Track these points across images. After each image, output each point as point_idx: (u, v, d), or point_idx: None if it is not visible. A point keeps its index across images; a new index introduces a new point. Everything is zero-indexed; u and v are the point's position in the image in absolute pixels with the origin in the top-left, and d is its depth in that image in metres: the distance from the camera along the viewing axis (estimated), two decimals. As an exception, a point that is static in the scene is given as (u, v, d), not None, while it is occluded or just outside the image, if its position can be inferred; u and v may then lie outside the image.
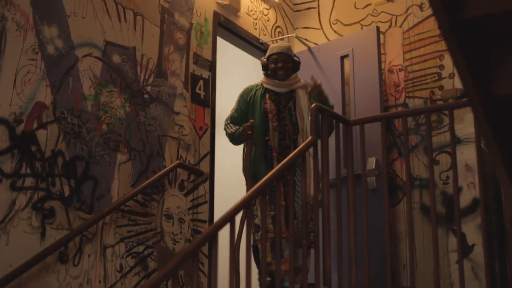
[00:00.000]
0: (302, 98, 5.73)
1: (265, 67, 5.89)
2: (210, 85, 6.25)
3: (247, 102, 5.78)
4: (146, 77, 5.50)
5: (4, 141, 4.36)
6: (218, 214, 4.79)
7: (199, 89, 6.09)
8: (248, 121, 5.57)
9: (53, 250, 4.45)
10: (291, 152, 4.90)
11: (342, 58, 6.95)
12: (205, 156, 6.03)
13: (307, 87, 5.78)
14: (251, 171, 5.48)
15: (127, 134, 5.25)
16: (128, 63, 5.37)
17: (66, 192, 4.69)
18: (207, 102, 6.18)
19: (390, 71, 6.88)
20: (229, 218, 3.64)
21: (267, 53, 5.94)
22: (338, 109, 6.43)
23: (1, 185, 4.29)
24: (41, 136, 4.60)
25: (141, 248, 5.20)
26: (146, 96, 5.49)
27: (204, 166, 5.97)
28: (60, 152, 4.69)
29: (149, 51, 5.60)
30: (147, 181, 5.23)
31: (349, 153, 4.96)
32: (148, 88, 5.53)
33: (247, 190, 5.20)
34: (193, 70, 6.08)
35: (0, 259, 4.20)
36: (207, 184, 5.98)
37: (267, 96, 5.74)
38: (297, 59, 5.96)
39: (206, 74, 6.22)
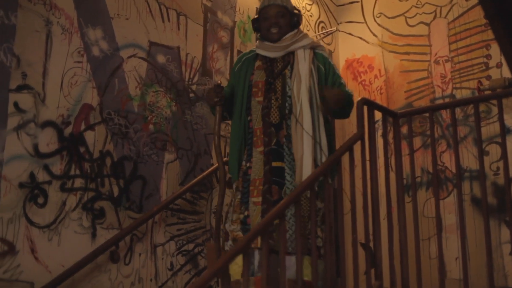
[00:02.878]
0: (302, 61, 4.31)
1: (256, 28, 4.58)
2: (255, 82, 6.24)
3: (236, 75, 4.52)
4: (191, 76, 5.52)
5: (53, 143, 4.41)
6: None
7: (244, 86, 6.08)
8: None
9: (104, 250, 4.48)
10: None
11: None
12: (251, 153, 6.01)
13: (316, 45, 4.49)
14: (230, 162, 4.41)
15: (174, 133, 5.27)
16: (173, 63, 5.40)
17: (115, 192, 4.73)
18: (253, 99, 6.16)
19: (436, 62, 6.80)
20: (279, 213, 3.62)
21: (259, 8, 4.74)
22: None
23: (51, 186, 4.34)
24: (89, 137, 4.64)
25: (191, 246, 5.22)
26: (191, 95, 5.51)
27: (251, 163, 5.96)
28: (108, 153, 4.73)
29: (193, 50, 5.61)
30: (195, 179, 5.24)
31: (397, 147, 4.91)
32: (194, 87, 5.55)
33: (219, 173, 4.24)
34: (238, 68, 6.07)
35: (53, 260, 4.25)
36: (254, 181, 5.97)
37: (256, 64, 4.44)
38: (297, 11, 4.53)
39: (250, 71, 6.21)
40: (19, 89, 4.29)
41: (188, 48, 5.57)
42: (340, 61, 7.59)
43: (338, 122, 7.22)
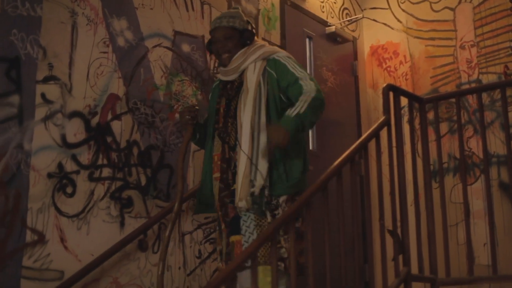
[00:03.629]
0: (250, 77, 3.95)
1: (210, 50, 4.23)
2: (280, 69, 6.22)
3: (210, 106, 4.22)
4: (216, 65, 5.51)
5: (81, 133, 4.44)
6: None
7: (269, 74, 6.07)
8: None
9: (133, 239, 4.51)
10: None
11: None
12: (277, 141, 6.00)
13: (270, 54, 4.03)
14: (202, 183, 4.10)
15: (199, 122, 5.28)
16: (198, 52, 5.40)
17: (143, 181, 4.76)
18: (278, 87, 6.15)
19: (462, 47, 6.76)
20: (306, 200, 3.62)
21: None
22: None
23: (79, 176, 4.38)
24: (116, 127, 4.67)
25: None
26: (217, 83, 5.51)
27: (277, 151, 5.95)
28: (135, 142, 4.76)
29: (217, 39, 5.60)
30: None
31: (423, 133, 4.89)
32: (219, 76, 5.54)
33: (178, 197, 3.94)
34: (262, 56, 6.05)
35: (82, 248, 4.29)
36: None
37: (220, 89, 4.15)
38: (245, 26, 4.06)
39: (275, 59, 6.19)
40: (46, 80, 4.33)
41: (212, 37, 5.56)
42: (365, 48, 7.56)
43: (363, 108, 7.21)
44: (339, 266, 3.84)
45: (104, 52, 4.70)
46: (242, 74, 4.01)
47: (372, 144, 4.42)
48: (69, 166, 4.35)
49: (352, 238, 4.06)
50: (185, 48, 5.31)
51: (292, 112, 3.76)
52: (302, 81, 3.88)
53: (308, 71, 6.53)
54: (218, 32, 4.04)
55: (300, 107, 3.78)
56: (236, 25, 4.03)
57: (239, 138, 3.84)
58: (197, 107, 4.12)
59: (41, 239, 4.14)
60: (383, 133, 4.54)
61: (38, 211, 4.14)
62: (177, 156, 4.37)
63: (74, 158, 4.38)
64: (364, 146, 4.30)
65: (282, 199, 3.79)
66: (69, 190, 4.32)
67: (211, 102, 4.20)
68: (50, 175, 4.24)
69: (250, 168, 3.76)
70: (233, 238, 3.83)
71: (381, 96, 4.76)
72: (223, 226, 3.93)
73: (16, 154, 4.09)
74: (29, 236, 4.08)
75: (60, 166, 4.30)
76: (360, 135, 6.75)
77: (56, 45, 4.41)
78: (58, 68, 4.40)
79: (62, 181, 4.30)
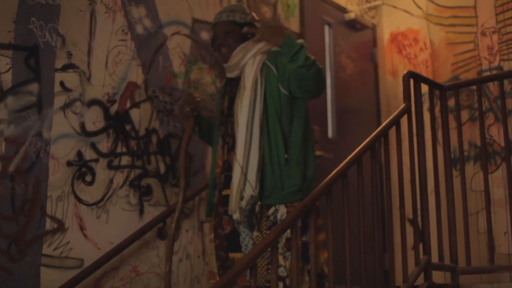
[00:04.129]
0: (248, 73, 3.78)
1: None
2: (299, 57, 6.19)
3: (217, 103, 4.13)
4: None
5: (99, 121, 4.44)
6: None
7: (288, 61, 6.03)
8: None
9: (152, 227, 4.51)
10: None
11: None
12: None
13: (269, 48, 3.87)
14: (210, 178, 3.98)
15: (218, 110, 5.27)
16: (217, 39, 5.38)
17: (162, 169, 4.75)
18: (297, 74, 6.11)
19: (483, 34, 6.69)
20: (326, 188, 3.61)
21: None
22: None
23: (99, 164, 4.39)
24: (135, 115, 4.67)
25: (237, 222, 5.23)
26: (235, 71, 5.49)
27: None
28: (154, 130, 4.75)
29: (236, 26, 5.57)
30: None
31: (444, 121, 4.85)
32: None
33: (181, 195, 3.87)
34: (281, 43, 6.02)
35: (101, 237, 4.30)
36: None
37: (228, 89, 4.02)
38: (245, 20, 3.89)
39: (294, 46, 6.15)
40: (65, 68, 4.33)
41: (231, 24, 5.53)
42: (385, 35, 7.51)
43: (383, 96, 7.17)
44: (359, 255, 3.83)
45: (123, 40, 4.69)
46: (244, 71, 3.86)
47: (392, 132, 4.39)
48: (88, 154, 4.36)
49: (372, 226, 4.04)
50: (204, 35, 5.29)
51: (303, 42, 3.64)
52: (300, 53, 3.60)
53: (327, 59, 6.57)
54: (218, 27, 3.92)
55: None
56: (236, 19, 3.88)
57: (236, 142, 3.71)
58: (198, 99, 4.01)
59: (60, 227, 4.15)
60: (404, 120, 4.51)
61: (57, 199, 4.15)
62: (180, 153, 4.21)
63: (93, 146, 4.39)
64: (384, 133, 4.28)
65: (281, 212, 3.63)
66: (88, 178, 4.33)
67: (217, 102, 4.09)
68: (69, 163, 4.25)
69: (241, 176, 3.62)
70: (233, 255, 3.69)
71: (400, 83, 4.72)
72: (211, 236, 3.82)
73: (36, 142, 4.10)
74: (48, 224, 4.09)
75: (79, 154, 4.31)
76: (379, 123, 6.73)
77: (74, 33, 4.40)
78: (76, 56, 4.39)
79: (81, 169, 4.31)
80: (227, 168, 3.79)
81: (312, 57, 3.64)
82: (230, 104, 3.88)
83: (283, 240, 3.56)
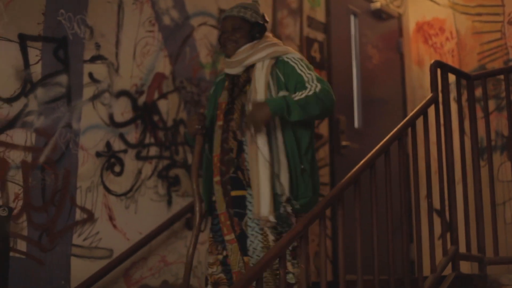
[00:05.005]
0: (259, 75, 3.69)
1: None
2: (326, 47, 6.20)
3: (210, 101, 4.02)
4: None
5: (128, 112, 4.48)
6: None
7: (315, 52, 6.05)
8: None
9: (180, 217, 4.55)
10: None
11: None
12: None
13: (280, 54, 3.77)
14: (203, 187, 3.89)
15: (245, 100, 5.28)
16: (243, 30, 5.38)
17: (190, 160, 4.77)
18: (323, 65, 6.13)
19: (510, 23, 6.64)
20: (354, 178, 3.61)
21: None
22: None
23: (127, 155, 4.43)
24: (162, 106, 4.70)
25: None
26: (262, 61, 5.49)
27: (323, 129, 5.94)
28: (182, 121, 4.78)
29: (262, 17, 5.58)
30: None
31: (471, 110, 4.83)
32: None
33: (196, 210, 3.76)
34: (308, 33, 6.03)
35: (130, 227, 4.35)
36: (326, 147, 5.95)
37: (225, 85, 3.91)
38: (255, 19, 3.83)
39: (320, 36, 6.17)
40: (93, 59, 4.37)
41: (257, 15, 5.53)
42: (410, 24, 7.47)
43: (409, 86, 7.14)
44: (386, 244, 3.83)
45: (150, 31, 4.72)
46: (248, 70, 3.76)
47: (419, 122, 4.38)
48: (117, 145, 4.40)
49: (399, 216, 4.04)
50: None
51: (281, 95, 3.58)
52: (308, 83, 3.61)
53: (353, 49, 6.56)
54: (227, 21, 3.83)
55: (295, 95, 3.57)
56: (247, 16, 3.80)
57: (248, 140, 3.59)
58: (202, 110, 3.91)
59: (90, 217, 4.20)
60: (431, 110, 4.49)
61: (87, 190, 4.20)
62: (190, 173, 4.01)
63: (121, 137, 4.43)
64: (412, 123, 4.27)
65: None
66: (117, 169, 4.37)
67: (212, 96, 3.98)
68: (98, 154, 4.29)
69: (271, 176, 3.51)
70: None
71: (426, 73, 4.72)
72: (227, 237, 3.65)
73: (65, 133, 4.15)
74: (78, 215, 4.14)
75: (108, 145, 4.35)
76: (405, 113, 6.71)
77: (102, 24, 4.44)
78: (105, 48, 4.43)
79: (110, 160, 4.35)
80: (235, 170, 3.66)
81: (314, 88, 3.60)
82: (230, 101, 3.78)
83: (290, 246, 3.46)
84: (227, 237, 3.65)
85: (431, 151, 4.41)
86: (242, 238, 3.60)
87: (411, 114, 4.34)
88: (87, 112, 4.28)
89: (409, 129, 4.28)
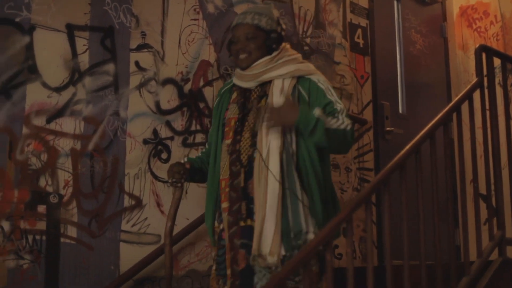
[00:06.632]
0: (277, 94, 3.26)
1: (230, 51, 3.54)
2: (369, 33, 6.18)
3: (215, 114, 3.54)
4: (305, 29, 5.51)
5: (174, 100, 4.53)
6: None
7: (358, 37, 6.04)
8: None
9: (227, 203, 4.58)
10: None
11: None
12: (367, 104, 5.98)
13: (302, 73, 3.38)
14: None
15: (289, 86, 5.29)
16: (286, 16, 5.39)
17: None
18: (367, 50, 6.11)
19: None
20: (399, 163, 3.62)
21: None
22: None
23: (174, 142, 4.49)
24: (208, 93, 4.74)
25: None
26: (306, 48, 5.50)
27: (367, 115, 5.93)
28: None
29: (306, 3, 5.59)
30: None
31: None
32: (308, 40, 5.54)
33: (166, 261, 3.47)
34: (351, 19, 6.02)
35: (178, 213, 4.37)
36: (371, 132, 5.94)
37: (232, 96, 3.48)
38: (271, 27, 3.42)
39: (363, 22, 6.15)
40: (139, 48, 4.43)
41: (300, 1, 5.54)
42: (454, 9, 7.41)
43: (453, 71, 7.09)
44: (432, 229, 3.83)
45: (195, 19, 4.76)
46: (264, 86, 3.36)
47: (464, 107, 4.36)
48: (164, 132, 4.46)
49: (445, 201, 4.03)
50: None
51: (320, 114, 3.14)
52: (339, 114, 3.25)
53: (397, 34, 6.53)
54: (240, 29, 3.41)
55: (331, 120, 3.20)
56: (262, 24, 3.38)
57: (265, 159, 3.17)
58: (187, 165, 3.47)
59: (138, 203, 4.27)
60: (476, 95, 4.47)
61: (135, 177, 4.27)
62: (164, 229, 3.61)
63: (168, 124, 4.48)
64: (457, 108, 4.25)
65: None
66: (164, 156, 4.43)
67: (218, 108, 3.52)
68: (145, 141, 4.36)
69: (300, 210, 3.14)
70: None
71: (471, 57, 4.69)
72: (228, 271, 3.23)
73: (113, 121, 4.22)
74: (127, 201, 4.21)
75: (155, 132, 4.41)
76: (450, 98, 6.67)
77: (148, 13, 4.49)
78: (150, 36, 4.49)
79: (157, 147, 4.41)
80: (244, 196, 3.25)
81: (334, 124, 3.21)
82: (242, 118, 3.34)
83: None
84: (228, 271, 3.26)
85: (476, 135, 4.40)
86: (247, 273, 3.17)
87: (456, 99, 4.33)
88: (134, 100, 4.34)
89: (454, 114, 4.27)
